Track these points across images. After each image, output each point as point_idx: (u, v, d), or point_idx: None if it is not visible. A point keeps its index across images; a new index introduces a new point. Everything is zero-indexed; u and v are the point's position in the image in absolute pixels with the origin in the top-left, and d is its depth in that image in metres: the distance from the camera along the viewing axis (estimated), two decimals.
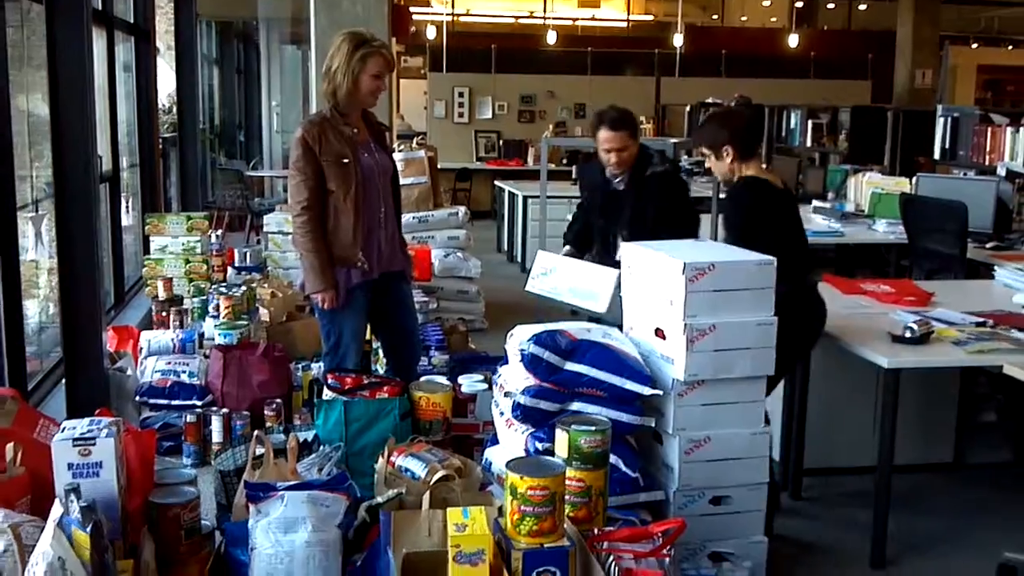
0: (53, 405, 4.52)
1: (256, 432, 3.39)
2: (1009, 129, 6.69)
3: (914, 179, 7.22)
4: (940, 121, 7.64)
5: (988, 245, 6.27)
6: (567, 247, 4.85)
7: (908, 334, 3.92)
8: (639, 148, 4.61)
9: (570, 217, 8.55)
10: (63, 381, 4.57)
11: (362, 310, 4.34)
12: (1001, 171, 6.76)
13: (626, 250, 3.64)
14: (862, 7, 21.53)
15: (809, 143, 10.37)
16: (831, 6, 22.39)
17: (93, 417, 2.84)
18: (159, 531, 2.83)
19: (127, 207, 7.50)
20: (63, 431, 2.74)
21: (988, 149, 7.01)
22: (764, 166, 4.10)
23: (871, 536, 3.83)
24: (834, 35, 20.94)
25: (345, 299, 4.24)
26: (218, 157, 13.37)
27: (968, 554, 4.00)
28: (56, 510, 2.45)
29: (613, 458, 3.00)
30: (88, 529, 2.36)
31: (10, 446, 2.79)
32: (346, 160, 4.14)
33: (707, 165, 4.08)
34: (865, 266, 7.54)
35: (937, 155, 7.74)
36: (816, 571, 3.89)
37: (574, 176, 11.73)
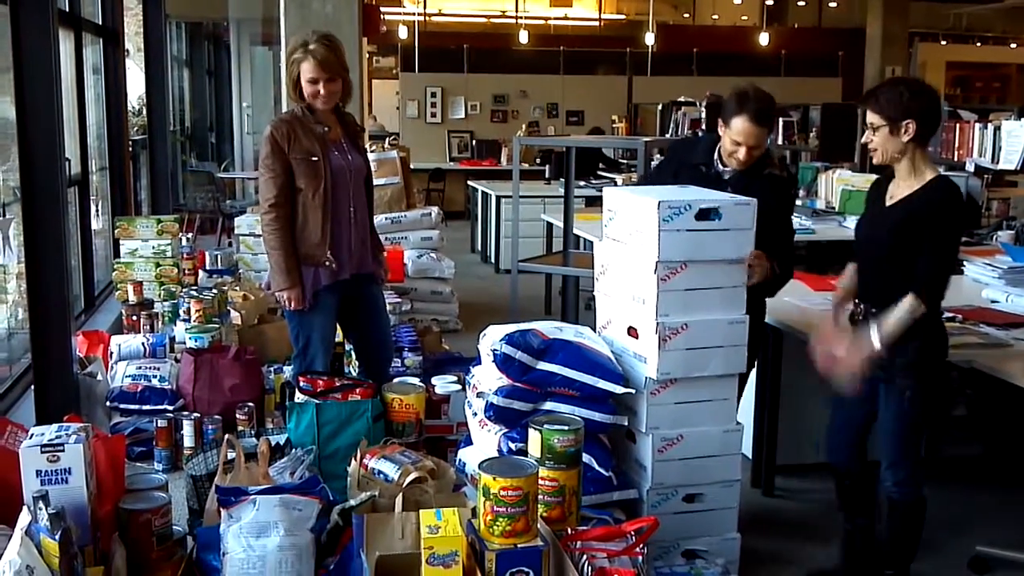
0: (22, 411, 4.48)
1: (227, 436, 3.38)
2: (977, 125, 6.73)
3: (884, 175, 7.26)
4: None
5: None
6: None
7: None
8: None
9: (544, 217, 8.58)
10: (32, 387, 4.53)
11: (331, 312, 4.32)
12: (970, 167, 6.80)
13: (598, 249, 3.64)
14: (832, 4, 21.69)
15: (780, 141, 10.41)
16: (801, 4, 22.53)
17: (62, 423, 2.82)
18: (130, 537, 2.81)
19: (96, 210, 7.43)
20: (31, 437, 2.71)
21: (957, 145, 7.04)
22: None
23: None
24: (804, 33, 21.07)
25: (313, 300, 4.22)
26: (189, 159, 13.30)
27: (940, 548, 4.02)
28: (24, 518, 2.43)
29: (586, 457, 3.01)
30: (57, 536, 2.34)
31: None
32: (315, 158, 4.12)
33: (867, 138, 3.34)
34: (836, 263, 7.54)
35: None
36: (789, 568, 3.90)
37: (547, 175, 11.75)
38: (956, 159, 7.05)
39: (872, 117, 3.31)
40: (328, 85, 4.13)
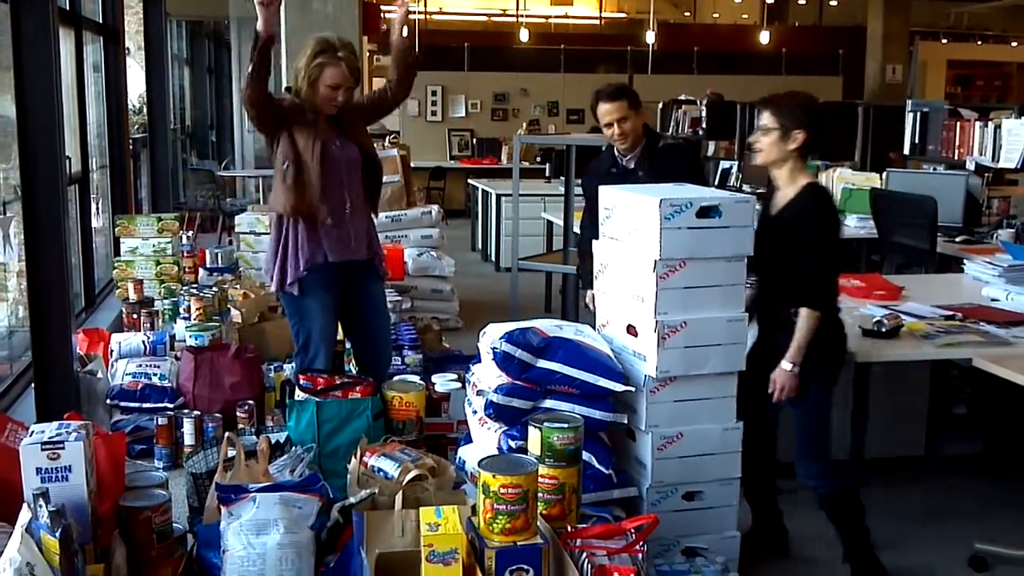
0: (22, 410, 4.48)
1: (228, 434, 3.38)
2: (978, 124, 6.74)
3: (884, 174, 7.27)
4: (910, 116, 7.68)
5: (958, 239, 6.32)
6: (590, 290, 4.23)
7: (878, 328, 3.95)
8: (644, 127, 4.48)
9: (544, 216, 8.58)
10: (32, 385, 4.53)
11: (329, 309, 4.31)
12: (970, 165, 6.81)
13: (597, 248, 3.64)
14: (832, 3, 21.67)
15: None
16: (802, 2, 22.50)
17: (62, 421, 2.82)
18: (130, 535, 2.81)
19: (97, 209, 7.44)
20: (31, 435, 2.71)
21: (957, 144, 7.05)
22: None
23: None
24: (805, 31, 21.06)
25: (300, 288, 4.20)
26: (189, 157, 13.31)
27: (940, 546, 4.03)
28: (24, 515, 2.43)
29: (586, 455, 3.01)
30: (57, 534, 2.34)
31: None
32: (305, 129, 4.11)
33: (756, 139, 3.57)
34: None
35: (907, 150, 7.79)
36: (788, 566, 3.91)
37: (548, 174, 11.75)
38: (957, 157, 7.06)
39: (767, 120, 3.53)
40: (346, 93, 4.15)
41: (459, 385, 4.40)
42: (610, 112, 4.38)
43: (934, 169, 7.33)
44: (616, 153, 4.53)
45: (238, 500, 2.77)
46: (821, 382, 3.55)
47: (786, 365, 3.46)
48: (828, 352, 3.55)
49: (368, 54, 14.75)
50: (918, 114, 7.59)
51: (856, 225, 7.03)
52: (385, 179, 7.11)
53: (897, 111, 8.41)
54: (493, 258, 10.59)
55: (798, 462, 3.60)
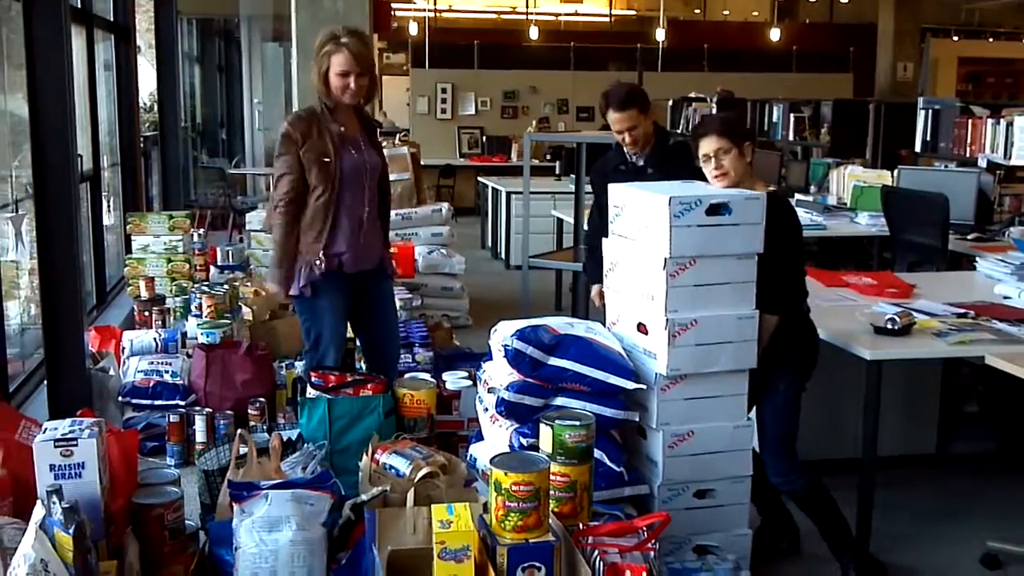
0: (35, 406, 4.50)
1: (239, 431, 3.39)
2: (990, 121, 6.72)
3: (896, 172, 7.25)
4: (921, 113, 7.66)
5: (969, 237, 6.30)
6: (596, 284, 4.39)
7: (890, 326, 3.93)
8: (654, 124, 4.49)
9: (554, 213, 8.58)
10: (45, 382, 4.55)
11: (340, 307, 4.32)
12: (982, 163, 6.79)
13: (607, 246, 3.64)
14: (843, 0, 21.60)
15: (791, 137, 10.39)
16: None
17: (75, 418, 2.83)
18: (143, 532, 2.82)
19: (108, 206, 7.46)
20: (45, 432, 2.73)
21: (969, 141, 7.03)
22: None
23: (855, 528, 3.85)
24: (816, 28, 20.98)
25: (312, 291, 4.23)
26: (200, 155, 13.33)
27: (952, 544, 4.02)
28: (38, 512, 2.44)
29: (597, 453, 3.01)
30: (71, 530, 2.35)
31: None
32: (327, 159, 4.13)
33: (720, 164, 3.47)
34: (848, 259, 7.57)
35: (918, 147, 7.77)
36: (800, 564, 3.90)
37: (557, 172, 11.74)
38: (968, 155, 7.04)
39: (720, 143, 3.47)
40: (359, 79, 4.12)
41: (470, 383, 4.41)
42: (620, 121, 4.38)
43: (945, 166, 7.31)
44: (626, 150, 4.53)
45: (250, 497, 2.78)
46: (791, 380, 3.59)
47: None
48: (799, 352, 3.61)
49: (378, 52, 14.76)
50: (929, 111, 7.58)
51: (867, 223, 7.01)
52: (395, 177, 7.17)
53: (908, 108, 8.39)
54: (503, 256, 10.59)
55: (765, 459, 3.63)
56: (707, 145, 3.49)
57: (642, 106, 4.39)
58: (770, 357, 3.45)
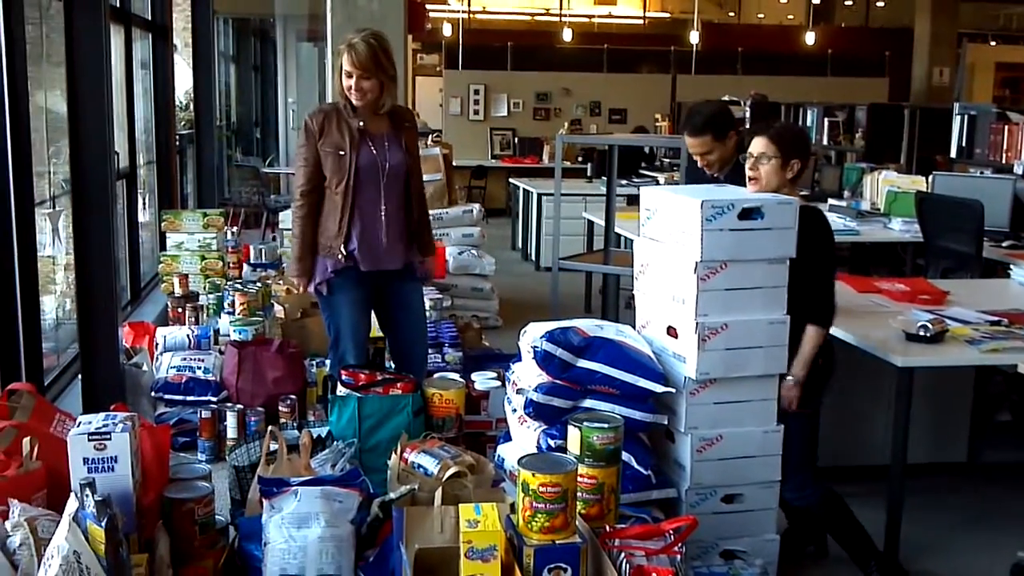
0: (69, 400, 4.55)
1: (270, 428, 3.41)
2: None
3: (930, 177, 7.20)
4: (957, 119, 7.61)
5: (1004, 244, 6.25)
6: None
7: (922, 333, 3.91)
8: (738, 142, 4.40)
9: (585, 215, 8.59)
10: (79, 376, 4.60)
11: (357, 304, 4.35)
12: (1018, 169, 6.73)
13: (637, 247, 3.64)
14: (880, 4, 21.46)
15: (825, 141, 10.34)
16: (849, 3, 22.32)
17: (109, 412, 2.86)
18: (173, 526, 2.85)
19: (144, 204, 7.54)
20: (79, 426, 2.75)
21: (1005, 147, 6.98)
22: None
23: (883, 535, 3.83)
24: (851, 32, 20.88)
25: (329, 289, 4.29)
26: (234, 154, 13.43)
27: (981, 554, 3.99)
28: (71, 504, 2.47)
29: (625, 455, 3.00)
30: (103, 523, 2.38)
31: (27, 440, 2.81)
32: (342, 152, 4.18)
33: (755, 167, 3.59)
34: (881, 265, 7.52)
35: (954, 153, 7.72)
36: (828, 571, 3.88)
37: (589, 174, 11.74)
38: (1004, 161, 6.99)
39: (766, 147, 3.57)
40: (360, 82, 4.15)
41: (498, 383, 4.42)
42: (692, 146, 4.39)
43: (981, 173, 7.26)
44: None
45: (280, 493, 2.80)
46: (807, 397, 3.60)
47: (790, 379, 3.52)
48: (820, 372, 3.62)
49: (412, 53, 14.82)
50: (965, 117, 7.52)
51: (901, 228, 6.96)
52: (427, 177, 7.19)
53: (944, 114, 8.34)
54: (533, 257, 10.59)
55: (783, 476, 3.51)
56: (754, 145, 3.57)
57: (717, 132, 4.34)
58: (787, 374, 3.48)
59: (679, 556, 2.58)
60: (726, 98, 11.68)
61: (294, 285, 4.40)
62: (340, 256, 4.23)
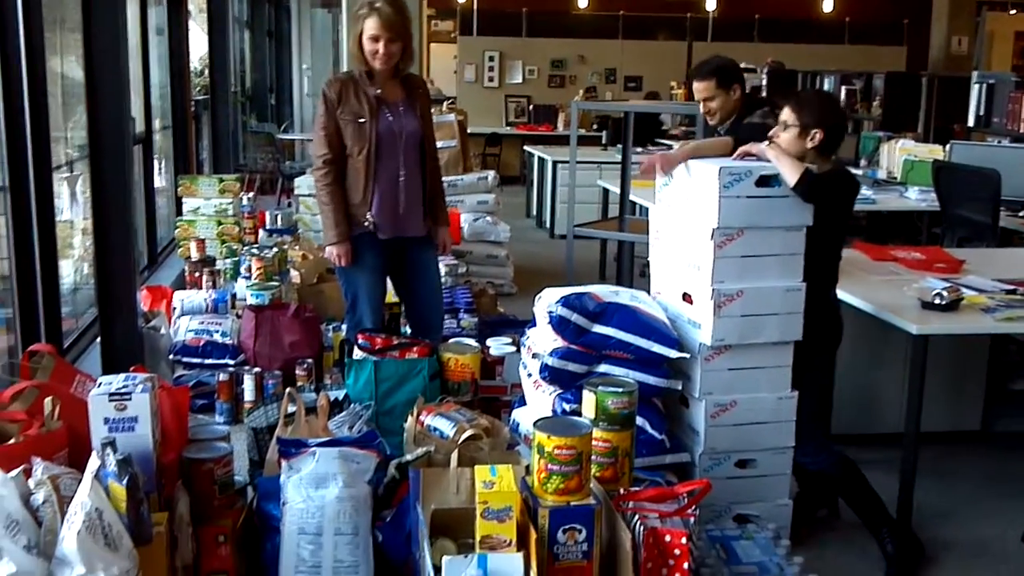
0: (88, 364, 4.59)
1: (288, 390, 3.43)
2: None
3: (947, 146, 7.16)
4: (975, 88, 7.56)
5: (1021, 213, 6.23)
6: None
7: (937, 301, 3.91)
8: (743, 100, 4.50)
9: (601, 182, 8.58)
10: (97, 340, 4.64)
11: (375, 270, 4.37)
12: None
13: (653, 214, 3.65)
14: None
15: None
16: None
17: (129, 373, 2.89)
18: (193, 485, 2.87)
19: (160, 169, 7.56)
20: (99, 386, 2.78)
21: (1023, 116, 6.93)
22: None
23: (896, 503, 3.84)
24: (869, 0, 20.65)
25: (356, 245, 4.29)
26: (249, 120, 13.41)
27: (993, 522, 4.01)
28: (93, 463, 2.50)
29: (639, 420, 3.03)
30: (124, 482, 2.40)
31: (48, 400, 2.85)
32: (362, 120, 4.18)
33: (776, 134, 3.54)
34: (897, 234, 7.50)
35: (971, 122, 7.67)
36: (841, 536, 3.91)
37: (604, 142, 11.71)
38: (1022, 130, 6.94)
39: (788, 116, 3.52)
40: (388, 45, 4.14)
41: (513, 349, 4.44)
42: (697, 90, 4.48)
43: (999, 142, 7.21)
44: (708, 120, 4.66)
45: (298, 454, 2.83)
46: (821, 360, 3.62)
47: (765, 147, 3.42)
48: (824, 333, 3.60)
49: (427, 19, 14.75)
50: (984, 86, 7.47)
51: (917, 197, 6.94)
52: (442, 144, 7.21)
53: (962, 82, 8.28)
54: (547, 225, 10.59)
55: (798, 441, 3.54)
56: (783, 113, 3.54)
57: (722, 79, 4.42)
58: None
59: (692, 519, 2.60)
60: (743, 65, 11.60)
61: (335, 256, 4.28)
62: (366, 223, 4.24)
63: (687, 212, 3.40)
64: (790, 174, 3.27)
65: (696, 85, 4.48)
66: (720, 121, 4.49)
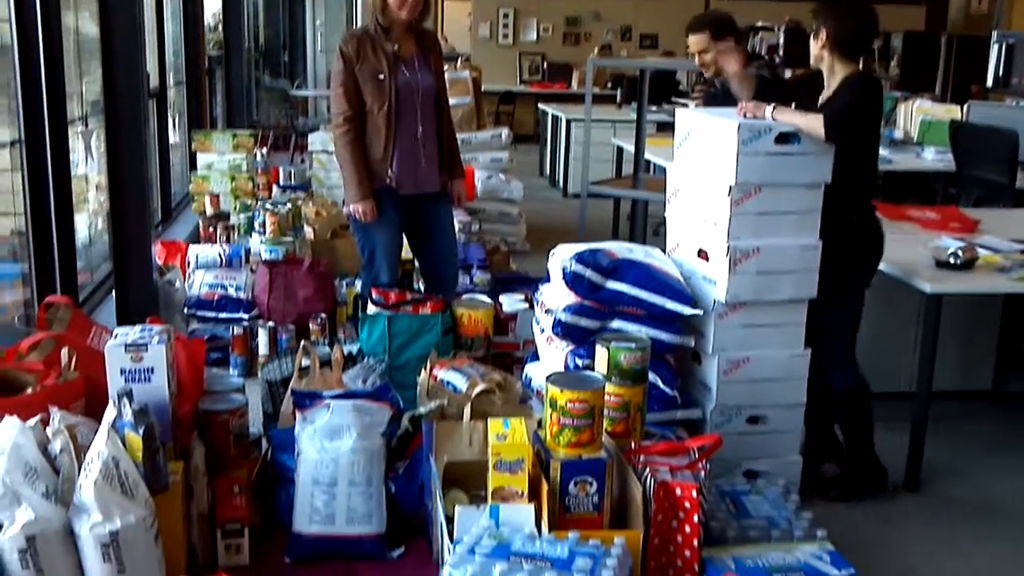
0: (103, 316, 4.61)
1: (303, 343, 3.45)
2: None
3: (965, 107, 7.10)
4: (994, 48, 7.49)
5: None
6: None
7: (952, 260, 3.90)
8: (741, 55, 4.34)
9: (615, 140, 8.54)
10: (112, 293, 4.66)
11: (393, 225, 4.37)
12: None
13: (670, 170, 3.64)
14: None
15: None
16: None
17: (145, 325, 2.91)
18: (208, 436, 2.91)
19: (174, 124, 7.55)
20: (116, 337, 2.80)
21: None
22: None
23: (906, 460, 3.86)
24: None
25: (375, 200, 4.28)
26: (263, 76, 13.36)
27: (1001, 480, 4.02)
28: (110, 412, 2.53)
29: (652, 376, 3.04)
30: (140, 431, 2.43)
31: (65, 350, 2.87)
32: (381, 76, 4.16)
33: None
34: (912, 194, 7.45)
35: (990, 83, 7.60)
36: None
37: (618, 100, 11.64)
38: None
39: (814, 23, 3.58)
40: None
41: (526, 306, 4.45)
42: (691, 44, 4.35)
43: (1017, 103, 7.15)
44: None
45: (313, 406, 2.86)
46: (859, 279, 3.61)
47: (769, 110, 3.34)
48: (867, 249, 3.60)
49: None
50: (1003, 46, 7.40)
51: (934, 158, 6.90)
52: (456, 101, 7.17)
53: (982, 43, 8.20)
54: (561, 184, 10.56)
55: (830, 363, 3.61)
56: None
57: (715, 32, 4.31)
58: (838, 256, 3.42)
59: (703, 473, 2.62)
60: (760, 24, 11.50)
61: (360, 213, 4.26)
62: (388, 179, 4.24)
63: (705, 168, 3.39)
64: (811, 128, 3.25)
65: (691, 38, 4.34)
66: (716, 73, 4.45)
